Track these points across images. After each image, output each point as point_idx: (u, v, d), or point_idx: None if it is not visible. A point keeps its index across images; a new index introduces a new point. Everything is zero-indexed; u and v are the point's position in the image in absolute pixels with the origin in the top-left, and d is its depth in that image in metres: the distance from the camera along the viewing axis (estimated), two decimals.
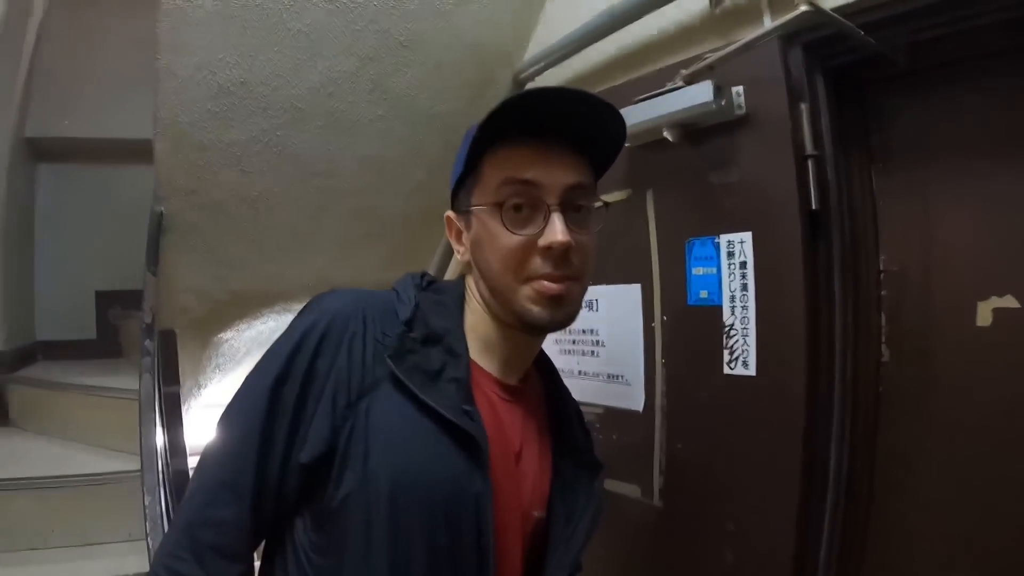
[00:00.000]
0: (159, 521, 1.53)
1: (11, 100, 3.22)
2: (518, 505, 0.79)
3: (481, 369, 0.80)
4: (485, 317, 0.80)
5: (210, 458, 0.72)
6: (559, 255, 0.73)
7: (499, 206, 0.74)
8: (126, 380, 2.51)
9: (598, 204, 0.79)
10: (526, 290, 0.74)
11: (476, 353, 0.80)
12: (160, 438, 1.78)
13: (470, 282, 0.83)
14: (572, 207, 0.75)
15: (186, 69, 1.65)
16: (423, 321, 0.76)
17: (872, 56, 1.09)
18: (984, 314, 1.06)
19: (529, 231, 0.73)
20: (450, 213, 0.84)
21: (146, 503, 1.43)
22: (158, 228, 1.87)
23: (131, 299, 2.89)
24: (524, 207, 0.74)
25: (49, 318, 3.61)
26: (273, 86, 1.66)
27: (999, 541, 1.02)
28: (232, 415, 0.73)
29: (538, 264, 0.74)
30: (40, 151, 3.58)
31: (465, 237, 0.81)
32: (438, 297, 0.80)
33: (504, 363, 0.82)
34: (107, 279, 3.65)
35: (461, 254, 0.82)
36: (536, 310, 0.74)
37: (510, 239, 0.73)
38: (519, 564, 0.79)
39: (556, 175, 0.74)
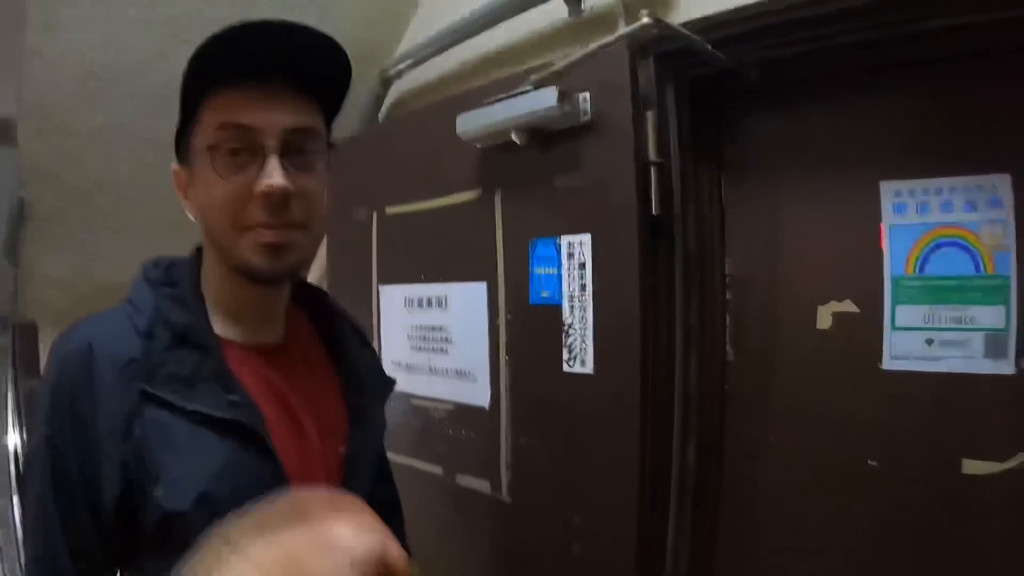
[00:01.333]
0: (12, 528, 1.47)
1: None
2: (315, 457, 0.79)
3: (237, 345, 0.78)
4: (224, 278, 0.78)
5: (24, 531, 0.72)
6: (278, 202, 0.70)
7: (212, 152, 0.71)
8: None
9: (320, 147, 0.76)
10: (245, 241, 0.72)
11: (226, 327, 0.78)
12: (13, 437, 1.71)
13: (207, 245, 0.79)
14: (295, 151, 0.73)
15: (54, 50, 1.61)
16: (163, 322, 0.73)
17: (726, 71, 1.13)
18: (824, 317, 1.14)
19: (243, 177, 0.70)
20: (175, 165, 0.79)
21: None
22: (19, 215, 1.82)
23: None
24: (241, 152, 0.71)
25: None
26: (140, 71, 1.63)
27: (844, 529, 1.10)
28: (27, 487, 0.71)
29: (255, 212, 0.71)
30: None
31: (192, 191, 0.77)
32: (173, 291, 0.77)
33: (256, 323, 0.80)
34: None
35: (190, 209, 0.78)
36: (256, 260, 0.72)
37: (224, 187, 0.70)
38: None
39: (275, 117, 0.71)
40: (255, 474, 0.70)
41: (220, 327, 0.77)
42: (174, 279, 0.78)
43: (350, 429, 0.84)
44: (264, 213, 0.71)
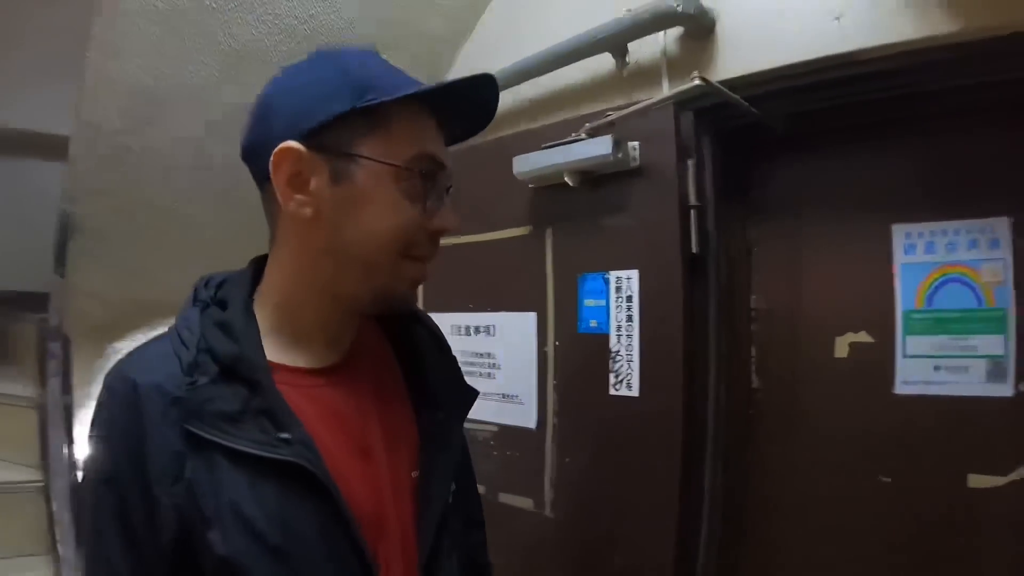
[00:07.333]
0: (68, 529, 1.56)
1: None
2: (384, 485, 0.76)
3: (295, 370, 0.75)
4: (313, 299, 0.76)
5: (83, 565, 0.70)
6: (438, 239, 0.76)
7: (402, 173, 0.71)
8: (11, 386, 2.49)
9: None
10: (403, 271, 0.74)
11: (284, 352, 0.75)
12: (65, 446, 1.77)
13: (279, 259, 0.77)
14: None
15: (114, 70, 1.68)
16: (209, 353, 0.69)
17: (756, 122, 1.32)
18: (841, 347, 1.33)
19: (419, 207, 0.72)
20: (295, 145, 0.69)
21: (54, 509, 1.44)
22: (67, 229, 1.90)
23: (24, 301, 2.84)
24: (426, 183, 0.73)
25: None
26: (199, 97, 1.77)
27: (858, 541, 1.26)
28: (82, 524, 0.72)
29: (425, 245, 0.74)
30: None
31: (320, 185, 0.70)
32: (221, 315, 0.73)
33: (324, 346, 0.78)
34: None
35: (300, 204, 0.71)
36: (403, 291, 0.76)
37: (408, 212, 0.72)
38: (411, 530, 0.78)
39: (447, 159, 0.75)
40: (313, 513, 0.68)
41: (276, 352, 0.74)
42: (224, 299, 0.75)
43: (421, 451, 0.81)
44: (431, 248, 0.76)
